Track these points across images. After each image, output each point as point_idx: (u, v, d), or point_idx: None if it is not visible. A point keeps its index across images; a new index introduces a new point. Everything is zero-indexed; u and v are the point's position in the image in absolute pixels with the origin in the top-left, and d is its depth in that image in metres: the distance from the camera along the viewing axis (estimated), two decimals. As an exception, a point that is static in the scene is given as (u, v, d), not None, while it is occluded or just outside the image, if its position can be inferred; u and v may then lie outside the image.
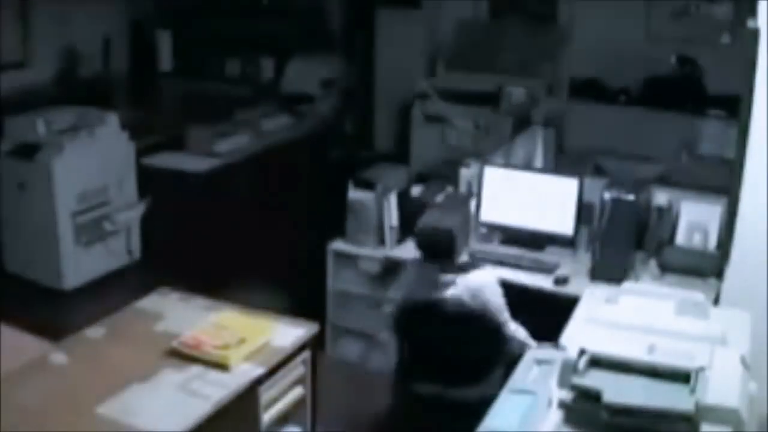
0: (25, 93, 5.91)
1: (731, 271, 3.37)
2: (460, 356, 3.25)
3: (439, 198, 4.28)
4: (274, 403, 2.90)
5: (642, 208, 3.78)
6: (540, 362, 2.21)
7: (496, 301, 3.20)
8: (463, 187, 4.29)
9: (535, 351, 2.28)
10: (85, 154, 5.04)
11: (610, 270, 3.60)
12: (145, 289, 3.35)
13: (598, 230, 3.75)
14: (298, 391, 3.02)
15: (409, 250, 4.11)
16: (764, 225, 3.15)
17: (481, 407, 2.06)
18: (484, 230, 4.18)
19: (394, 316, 3.36)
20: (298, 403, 3.04)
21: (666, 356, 1.98)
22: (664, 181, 4.79)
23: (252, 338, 2.89)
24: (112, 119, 5.27)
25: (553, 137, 5.47)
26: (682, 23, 6.29)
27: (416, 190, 4.41)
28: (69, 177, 4.94)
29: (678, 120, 5.89)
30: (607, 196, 3.69)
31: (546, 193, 4.02)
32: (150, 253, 5.43)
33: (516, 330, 3.25)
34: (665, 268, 3.76)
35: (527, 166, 4.56)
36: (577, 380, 1.95)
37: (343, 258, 4.32)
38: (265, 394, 2.83)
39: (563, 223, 3.97)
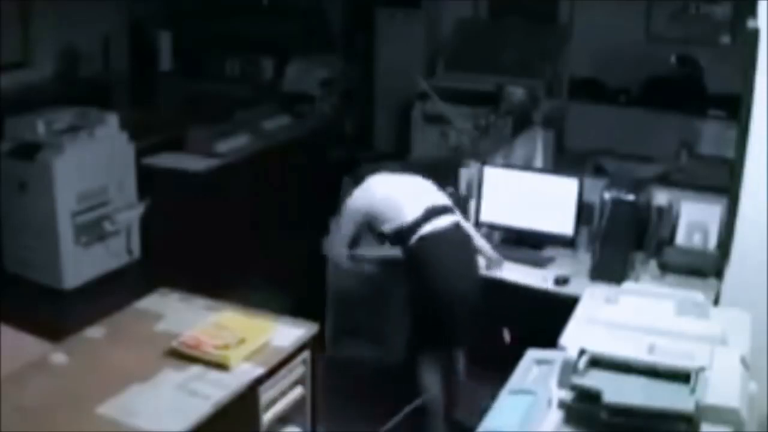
0: (25, 93, 5.92)
1: (731, 271, 3.36)
2: None
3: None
4: (274, 403, 2.90)
5: (642, 208, 3.77)
6: (540, 362, 2.21)
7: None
8: (463, 187, 4.29)
9: (534, 351, 2.27)
10: (85, 154, 5.05)
11: (610, 270, 3.59)
12: (145, 289, 3.34)
13: (598, 230, 3.74)
14: (298, 391, 3.02)
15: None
16: (764, 225, 3.14)
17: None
18: (483, 230, 4.18)
19: None
20: (298, 403, 3.04)
21: (666, 356, 1.98)
22: (664, 181, 4.80)
23: (252, 338, 2.88)
24: (112, 119, 5.28)
25: (553, 137, 5.47)
26: (682, 23, 6.31)
27: (416, 190, 4.39)
28: (69, 177, 4.95)
29: (678, 120, 5.90)
30: (607, 196, 3.69)
31: (546, 194, 4.02)
32: (150, 253, 5.43)
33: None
34: (665, 268, 3.76)
35: (527, 166, 4.56)
36: (577, 380, 1.95)
37: (343, 258, 4.30)
38: (265, 394, 2.83)
39: (563, 223, 3.97)
